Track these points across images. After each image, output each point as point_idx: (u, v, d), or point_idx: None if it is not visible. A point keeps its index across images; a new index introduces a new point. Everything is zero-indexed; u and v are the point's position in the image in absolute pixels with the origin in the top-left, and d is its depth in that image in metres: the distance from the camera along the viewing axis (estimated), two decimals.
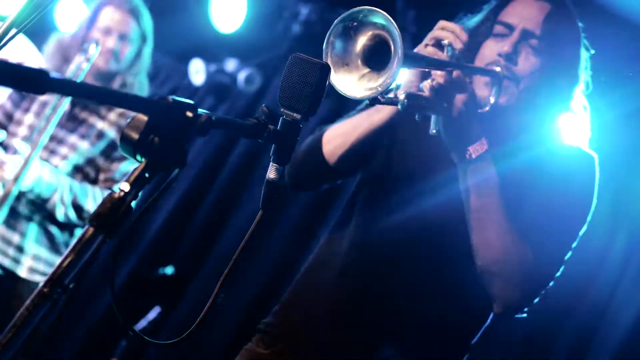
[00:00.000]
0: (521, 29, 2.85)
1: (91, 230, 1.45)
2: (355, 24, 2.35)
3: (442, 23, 2.73)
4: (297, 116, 1.87)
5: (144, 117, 1.49)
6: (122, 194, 1.48)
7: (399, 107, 2.48)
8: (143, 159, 1.50)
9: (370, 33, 2.35)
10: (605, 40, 3.22)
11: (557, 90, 2.90)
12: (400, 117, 2.71)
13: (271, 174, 1.90)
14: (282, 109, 1.89)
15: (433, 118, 2.69)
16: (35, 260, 4.25)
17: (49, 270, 3.67)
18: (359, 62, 2.36)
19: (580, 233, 2.84)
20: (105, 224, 1.44)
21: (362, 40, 2.37)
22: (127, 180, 1.48)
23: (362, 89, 2.35)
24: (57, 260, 3.89)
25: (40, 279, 4.25)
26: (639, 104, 5.17)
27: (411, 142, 2.97)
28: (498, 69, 2.79)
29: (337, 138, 2.96)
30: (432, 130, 2.68)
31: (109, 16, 4.46)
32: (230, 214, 6.42)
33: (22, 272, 4.27)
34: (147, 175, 1.49)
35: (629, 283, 4.96)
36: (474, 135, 2.64)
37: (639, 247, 5.06)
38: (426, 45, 2.68)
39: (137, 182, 1.48)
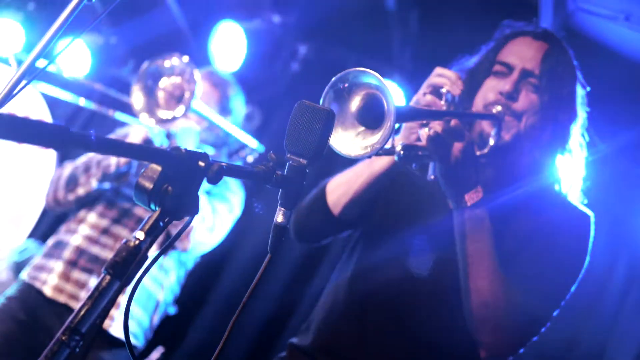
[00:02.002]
0: (521, 68, 2.91)
1: (108, 278, 1.49)
2: (346, 85, 2.35)
3: (438, 70, 2.78)
4: (303, 161, 1.91)
5: (157, 167, 1.53)
6: (137, 242, 1.52)
7: (395, 158, 2.53)
8: (157, 208, 1.55)
9: (363, 92, 2.36)
10: (599, 75, 3.28)
11: (557, 126, 2.96)
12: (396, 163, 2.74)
13: (279, 218, 1.93)
14: (288, 155, 1.93)
15: (431, 164, 2.73)
16: None
17: None
18: (355, 121, 2.38)
19: (571, 290, 2.87)
20: (122, 272, 1.48)
21: (355, 100, 2.38)
22: (141, 229, 1.53)
23: (358, 147, 2.36)
24: None
25: None
26: (634, 137, 5.25)
27: (409, 188, 3.02)
28: (497, 108, 2.85)
29: (340, 187, 3.00)
30: (430, 177, 2.73)
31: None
32: (231, 253, 6.44)
33: None
34: (161, 224, 1.54)
35: (629, 315, 5.00)
36: (470, 183, 2.67)
37: (638, 278, 5.11)
38: (425, 93, 2.71)
39: (151, 231, 1.53)
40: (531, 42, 3.02)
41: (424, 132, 2.58)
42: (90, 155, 4.42)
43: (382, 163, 2.87)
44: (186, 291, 6.21)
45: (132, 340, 4.32)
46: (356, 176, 2.96)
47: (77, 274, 4.24)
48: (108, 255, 4.29)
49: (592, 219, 2.94)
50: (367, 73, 2.30)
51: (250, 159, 5.11)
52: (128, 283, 1.48)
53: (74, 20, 2.39)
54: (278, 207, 1.94)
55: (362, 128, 2.37)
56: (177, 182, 1.54)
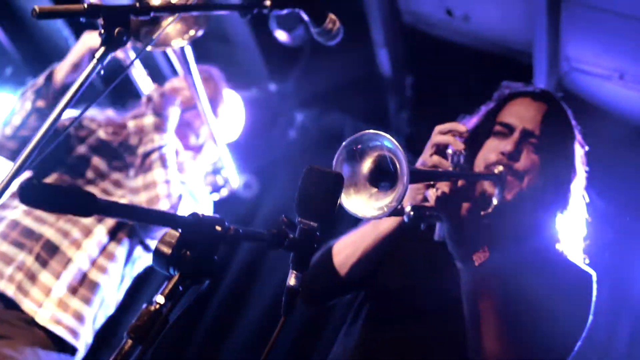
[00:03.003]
0: (521, 129, 2.97)
1: (130, 342, 1.52)
2: (359, 146, 2.40)
3: (438, 128, 2.81)
4: (314, 224, 1.95)
5: (175, 233, 1.57)
6: (157, 306, 1.55)
7: (405, 219, 2.56)
8: (176, 273, 1.58)
9: (375, 154, 2.41)
10: (595, 134, 3.34)
11: (558, 186, 3.00)
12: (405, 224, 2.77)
13: (291, 281, 1.96)
14: (299, 219, 1.97)
15: (437, 225, 2.77)
16: None
17: None
18: (367, 182, 2.42)
19: (575, 349, 2.89)
20: (143, 336, 1.50)
21: (367, 162, 2.42)
22: (161, 293, 1.56)
23: (371, 208, 2.39)
24: None
25: None
26: (631, 194, 5.30)
27: (414, 249, 3.04)
28: (499, 169, 2.89)
29: (346, 248, 3.02)
30: (436, 237, 2.76)
31: None
32: (239, 311, 6.42)
33: None
34: (180, 288, 1.57)
35: None
36: (477, 243, 2.69)
37: None
38: (431, 154, 2.75)
39: (171, 295, 1.56)
40: (530, 102, 3.08)
41: (432, 193, 2.62)
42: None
43: (389, 224, 2.90)
44: (194, 351, 6.21)
45: (69, 338, 3.89)
46: (363, 237, 2.98)
47: (4, 247, 3.86)
48: (45, 230, 3.93)
49: (594, 278, 2.97)
50: (380, 135, 2.34)
51: (224, 192, 4.93)
52: (151, 346, 1.50)
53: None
54: (290, 270, 1.97)
55: (375, 189, 2.41)
56: (195, 246, 1.57)
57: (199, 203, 4.25)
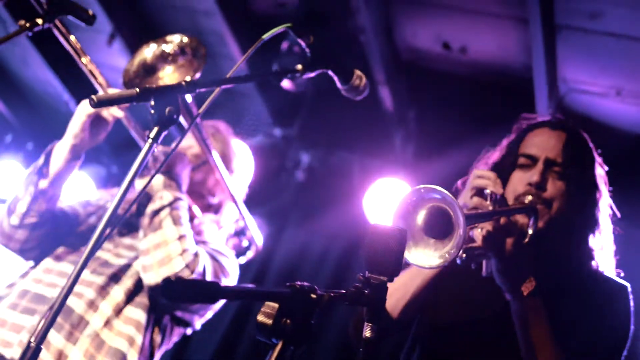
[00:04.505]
0: (544, 158, 3.13)
1: None
2: (414, 199, 2.55)
3: (477, 172, 2.99)
4: (384, 278, 2.08)
5: (275, 304, 1.70)
6: None
7: (458, 261, 2.72)
8: (279, 341, 1.71)
9: (427, 206, 2.55)
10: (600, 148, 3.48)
11: (584, 208, 3.16)
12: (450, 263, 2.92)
13: (367, 333, 2.09)
14: (369, 274, 2.10)
15: (484, 262, 2.92)
16: None
17: None
18: (423, 234, 2.56)
19: (622, 358, 3.05)
20: None
21: (421, 215, 2.56)
22: None
23: (433, 257, 2.53)
24: None
25: None
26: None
27: (461, 285, 3.19)
28: (529, 199, 3.05)
29: (397, 292, 3.15)
30: (485, 273, 2.92)
31: None
32: None
33: None
34: (283, 356, 1.70)
35: None
36: (524, 274, 2.86)
37: None
38: (471, 196, 2.92)
39: None
40: (550, 132, 3.24)
41: (479, 234, 2.78)
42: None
43: None
44: None
45: None
46: (412, 279, 3.12)
47: (14, 318, 3.69)
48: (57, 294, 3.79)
49: (629, 289, 3.13)
50: (432, 189, 2.50)
51: (250, 254, 4.68)
52: None
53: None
54: (365, 323, 2.10)
55: (432, 239, 2.55)
56: (294, 315, 1.70)
57: (225, 266, 4.02)
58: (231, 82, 2.76)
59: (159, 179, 3.92)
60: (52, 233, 3.94)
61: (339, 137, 6.78)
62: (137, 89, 2.45)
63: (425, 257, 2.54)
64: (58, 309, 2.13)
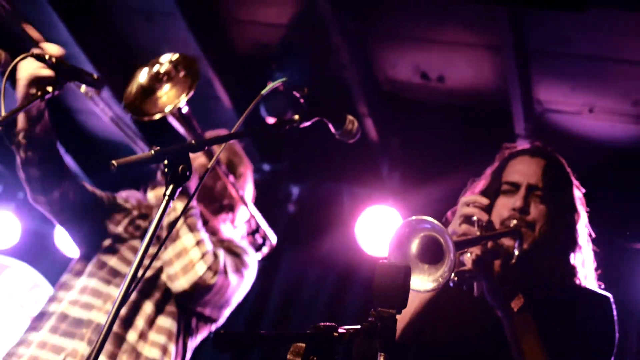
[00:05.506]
0: (526, 184, 3.38)
1: None
2: (407, 230, 2.78)
3: (464, 199, 3.24)
4: (393, 312, 2.31)
5: (302, 344, 1.92)
6: None
7: (450, 284, 2.95)
8: None
9: (420, 235, 2.79)
10: (573, 165, 3.72)
11: (565, 228, 3.41)
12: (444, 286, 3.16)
13: None
14: (379, 309, 2.32)
15: (475, 283, 3.17)
16: None
17: None
18: (417, 261, 2.80)
19: None
20: None
21: (415, 243, 2.80)
22: None
23: (428, 282, 2.77)
24: None
25: None
26: (616, 215, 5.72)
27: (454, 305, 3.42)
28: (514, 222, 3.30)
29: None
30: (476, 294, 3.16)
31: None
32: None
33: None
34: None
35: None
36: (513, 292, 3.11)
37: None
38: (460, 224, 3.18)
39: None
40: (530, 160, 3.50)
41: (468, 258, 3.05)
42: None
43: None
44: None
45: None
46: (409, 304, 3.33)
47: (55, 340, 3.88)
48: (94, 315, 3.97)
49: (612, 299, 3.37)
50: (423, 219, 2.74)
51: (265, 250, 4.95)
52: None
53: None
54: (378, 353, 2.32)
55: (426, 265, 2.79)
56: (319, 352, 1.92)
57: (245, 260, 4.26)
58: (236, 137, 2.97)
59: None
60: (80, 205, 4.04)
61: (327, 169, 6.99)
62: (152, 151, 2.63)
63: (421, 282, 2.78)
64: (105, 337, 2.29)
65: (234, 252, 4.24)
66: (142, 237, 4.20)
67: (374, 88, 6.19)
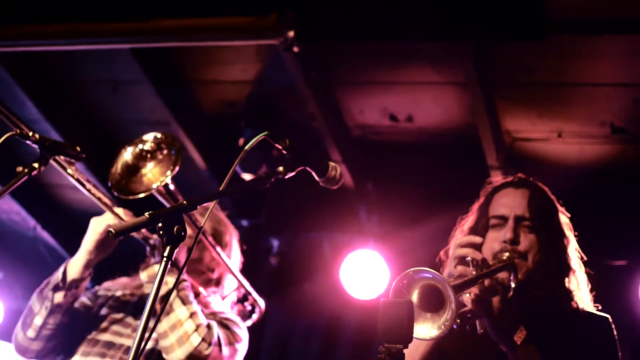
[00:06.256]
0: (513, 216, 3.44)
1: None
2: (405, 282, 2.81)
3: (457, 241, 3.30)
4: (400, 346, 2.36)
5: None
6: None
7: (454, 326, 3.00)
8: None
9: (419, 285, 2.83)
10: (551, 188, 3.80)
11: (557, 254, 3.47)
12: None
13: None
14: (386, 345, 2.37)
15: (477, 321, 3.21)
16: None
17: None
18: (419, 310, 2.83)
19: None
20: None
21: (415, 293, 2.83)
22: None
23: (433, 329, 2.81)
24: None
25: None
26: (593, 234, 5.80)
27: (460, 347, 3.44)
28: (506, 255, 3.35)
29: None
30: (479, 331, 3.20)
31: None
32: None
33: None
34: None
35: None
36: (514, 325, 3.15)
37: None
38: (455, 266, 3.23)
39: None
40: (514, 191, 3.55)
41: (468, 298, 3.09)
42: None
43: None
44: None
45: None
46: (416, 348, 3.36)
47: None
48: (124, 340, 4.11)
49: (610, 320, 3.43)
50: (420, 270, 2.79)
51: (255, 317, 4.87)
52: None
53: None
54: None
55: (428, 314, 2.84)
56: None
57: (237, 332, 4.25)
58: (225, 194, 3.01)
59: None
60: (68, 335, 4.15)
61: (305, 219, 7.05)
62: (147, 215, 2.68)
63: (425, 330, 2.83)
64: None
65: (226, 325, 4.23)
66: (131, 310, 4.27)
67: (345, 134, 6.28)
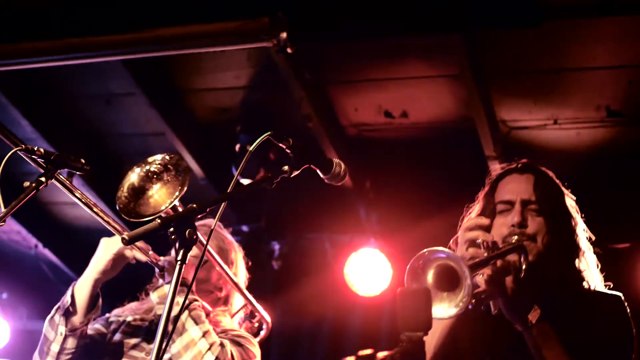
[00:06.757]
0: (520, 200, 3.45)
1: None
2: (420, 262, 2.87)
3: (466, 225, 3.31)
4: (420, 334, 2.37)
5: None
6: None
7: (469, 307, 3.02)
8: None
9: (434, 265, 2.88)
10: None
11: (565, 236, 3.49)
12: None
13: None
14: (406, 333, 2.38)
15: (491, 302, 3.23)
16: None
17: None
18: (436, 290, 2.88)
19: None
20: None
21: (430, 274, 2.90)
22: None
23: (450, 308, 2.87)
24: None
25: None
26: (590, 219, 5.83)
27: (476, 329, 3.47)
28: (515, 238, 3.37)
29: None
30: (494, 312, 3.22)
31: None
32: None
33: None
34: None
35: None
36: (528, 305, 3.17)
37: None
38: (467, 249, 3.24)
39: None
40: (519, 177, 3.57)
41: (481, 279, 3.10)
42: None
43: None
44: None
45: None
46: (433, 333, 3.36)
47: None
48: None
49: (622, 298, 3.45)
50: (435, 250, 2.84)
51: (263, 333, 4.81)
52: None
53: None
54: None
55: (445, 293, 2.86)
56: None
57: (250, 349, 4.21)
58: (233, 197, 3.02)
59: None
60: None
61: (305, 220, 7.07)
62: (159, 220, 2.69)
63: (443, 310, 2.87)
64: None
65: (238, 342, 4.24)
66: (144, 334, 4.26)
67: (340, 134, 6.29)
